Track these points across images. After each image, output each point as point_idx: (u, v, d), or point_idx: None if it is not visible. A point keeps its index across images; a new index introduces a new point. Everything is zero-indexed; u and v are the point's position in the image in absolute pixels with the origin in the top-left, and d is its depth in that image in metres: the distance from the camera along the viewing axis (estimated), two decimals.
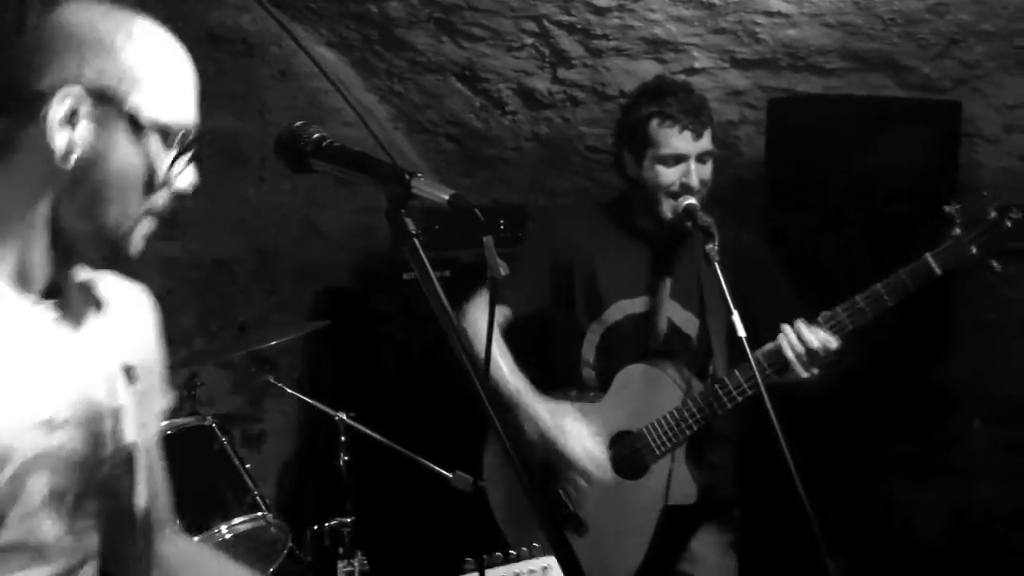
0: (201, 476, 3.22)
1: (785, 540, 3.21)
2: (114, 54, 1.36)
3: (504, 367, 2.84)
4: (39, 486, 1.36)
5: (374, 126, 4.29)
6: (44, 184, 1.35)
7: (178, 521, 2.97)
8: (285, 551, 3.23)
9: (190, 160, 1.43)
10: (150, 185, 1.39)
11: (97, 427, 1.44)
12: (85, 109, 1.33)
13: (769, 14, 3.69)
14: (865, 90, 3.88)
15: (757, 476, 3.16)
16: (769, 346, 2.66)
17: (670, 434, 2.78)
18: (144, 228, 1.42)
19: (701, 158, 2.77)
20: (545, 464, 2.80)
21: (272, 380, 3.50)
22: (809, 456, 2.34)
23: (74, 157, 1.34)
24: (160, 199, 1.41)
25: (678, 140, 2.74)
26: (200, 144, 1.44)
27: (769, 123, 3.84)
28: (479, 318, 2.85)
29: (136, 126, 1.36)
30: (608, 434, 2.84)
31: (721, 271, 2.50)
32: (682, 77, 3.95)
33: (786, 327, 2.64)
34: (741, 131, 4.13)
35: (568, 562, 1.37)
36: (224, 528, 3.10)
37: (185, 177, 1.43)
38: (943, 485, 4.23)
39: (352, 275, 4.52)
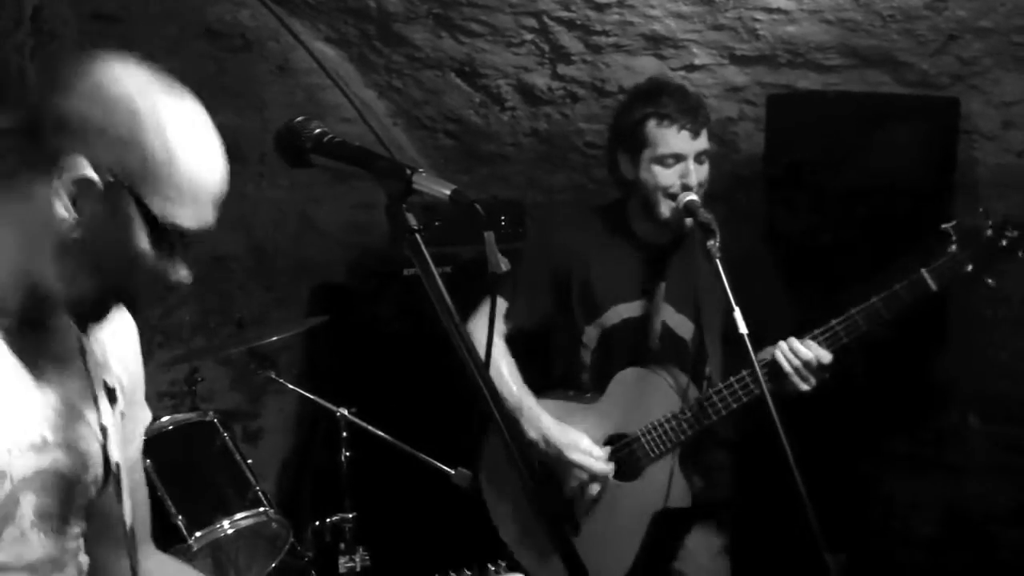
0: (203, 472, 3.23)
1: (779, 541, 3.23)
2: (141, 145, 1.34)
3: (508, 379, 2.86)
4: (29, 506, 1.38)
5: (373, 122, 4.29)
6: (33, 235, 1.35)
7: (180, 517, 3.01)
8: (286, 547, 3.23)
9: (188, 257, 1.42)
10: (148, 270, 1.38)
11: (83, 448, 1.46)
12: (88, 192, 1.32)
13: (768, 10, 3.69)
14: (863, 87, 3.88)
15: (751, 478, 3.18)
16: (764, 357, 2.65)
17: (665, 438, 2.79)
18: (142, 299, 1.43)
19: (699, 158, 2.77)
20: (544, 464, 2.81)
21: (273, 376, 3.50)
22: (804, 453, 2.34)
23: (77, 231, 1.33)
24: (153, 281, 1.40)
25: (676, 139, 2.74)
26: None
27: (768, 119, 3.84)
28: (480, 329, 2.84)
29: (151, 222, 1.35)
30: (603, 436, 2.86)
31: (722, 268, 2.50)
32: (681, 73, 3.95)
33: (781, 343, 2.65)
34: (740, 127, 4.14)
35: (569, 558, 1.38)
36: (226, 523, 3.10)
37: (181, 272, 1.42)
38: (937, 481, 4.23)
39: (350, 271, 4.52)
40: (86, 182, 1.31)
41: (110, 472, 1.50)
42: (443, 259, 3.83)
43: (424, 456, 3.08)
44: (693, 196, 2.72)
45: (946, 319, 3.75)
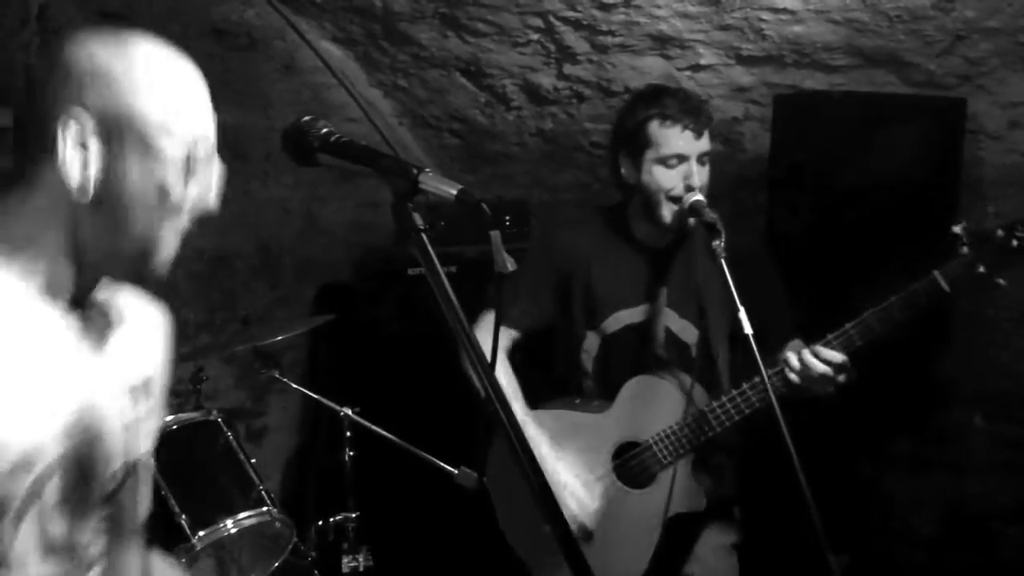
0: (206, 471, 3.23)
1: (786, 538, 3.22)
2: (115, 79, 1.37)
3: (507, 387, 2.83)
4: (55, 489, 1.40)
5: (379, 121, 4.28)
6: (64, 211, 1.37)
7: (184, 516, 3.01)
8: (290, 546, 3.23)
9: (209, 173, 1.44)
10: (168, 201, 1.39)
11: (110, 439, 1.47)
12: (93, 133, 1.35)
13: (775, 10, 3.68)
14: (870, 87, 3.87)
15: (756, 478, 3.17)
16: (777, 360, 2.64)
17: (677, 444, 2.78)
18: (170, 245, 1.43)
19: (701, 159, 2.76)
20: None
21: (277, 375, 3.50)
22: (807, 453, 2.34)
23: (91, 183, 1.35)
24: (182, 215, 1.42)
25: (679, 140, 2.73)
26: (216, 158, 1.45)
27: (775, 119, 3.84)
28: (484, 333, 2.82)
29: (145, 144, 1.37)
30: (613, 445, 2.84)
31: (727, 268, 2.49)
32: (688, 73, 3.95)
33: (790, 357, 2.64)
34: (746, 127, 4.13)
35: (576, 561, 1.37)
36: (230, 523, 3.10)
37: (205, 190, 1.44)
38: (938, 481, 4.23)
39: (354, 270, 4.52)
40: (79, 130, 1.34)
41: (132, 465, 1.52)
42: (447, 259, 3.82)
43: (427, 456, 3.08)
44: (699, 196, 2.71)
45: (949, 319, 3.75)
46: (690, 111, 2.74)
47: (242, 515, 3.13)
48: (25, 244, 1.38)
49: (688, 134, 2.72)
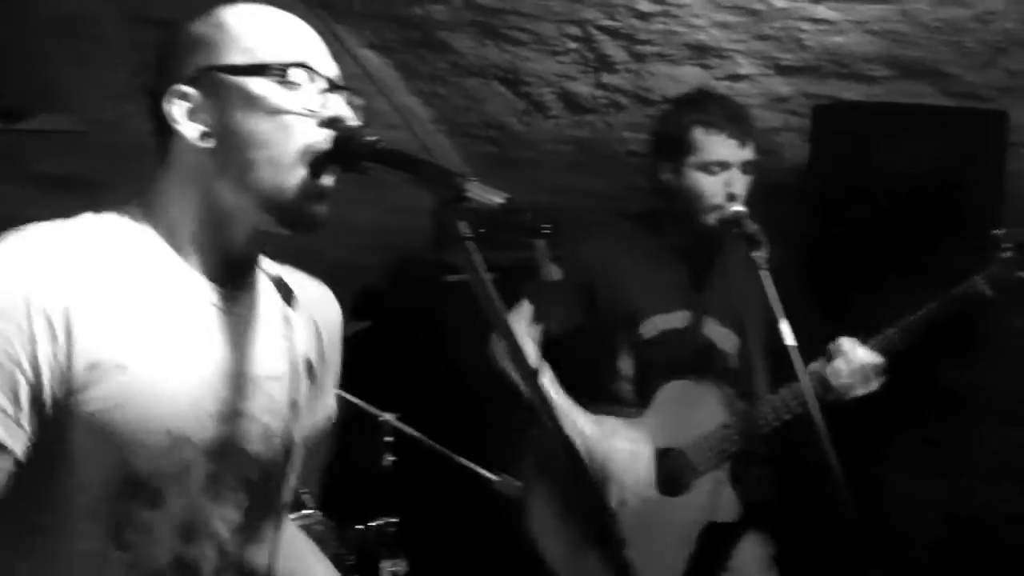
0: None
1: (824, 552, 3.20)
2: (203, 39, 1.42)
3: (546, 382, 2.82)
4: (201, 471, 1.40)
5: (418, 129, 4.31)
6: (200, 175, 1.40)
7: None
8: (331, 550, 3.23)
9: (326, 92, 1.43)
10: (289, 132, 1.39)
11: (270, 421, 1.47)
12: (195, 94, 1.39)
13: (814, 21, 3.68)
14: (908, 98, 3.86)
15: (795, 489, 3.16)
16: (814, 366, 2.63)
17: (713, 451, 2.77)
18: (312, 184, 1.41)
19: (744, 168, 2.75)
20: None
21: None
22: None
23: (209, 140, 1.39)
24: (310, 141, 1.40)
25: (722, 147, 2.72)
26: (331, 80, 1.44)
27: (813, 130, 3.83)
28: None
29: (244, 87, 1.39)
30: (650, 451, 2.83)
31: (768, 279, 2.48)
32: (726, 83, 3.94)
33: (838, 344, 2.63)
34: (784, 138, 4.12)
35: (620, 566, 1.37)
36: None
37: (332, 107, 1.42)
38: (952, 485, 4.19)
39: (388, 276, 4.54)
40: (180, 91, 1.39)
41: (288, 450, 1.51)
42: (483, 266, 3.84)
43: (467, 462, 3.08)
44: (740, 207, 2.70)
45: (973, 325, 3.71)
46: (734, 118, 2.74)
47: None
48: (170, 212, 1.41)
49: (732, 142, 2.72)
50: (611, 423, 2.85)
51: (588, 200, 4.66)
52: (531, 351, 2.77)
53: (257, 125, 1.38)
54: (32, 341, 1.25)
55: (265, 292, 1.51)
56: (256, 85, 1.39)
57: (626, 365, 2.92)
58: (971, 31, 3.59)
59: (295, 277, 1.60)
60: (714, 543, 2.82)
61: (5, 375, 1.24)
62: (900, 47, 3.72)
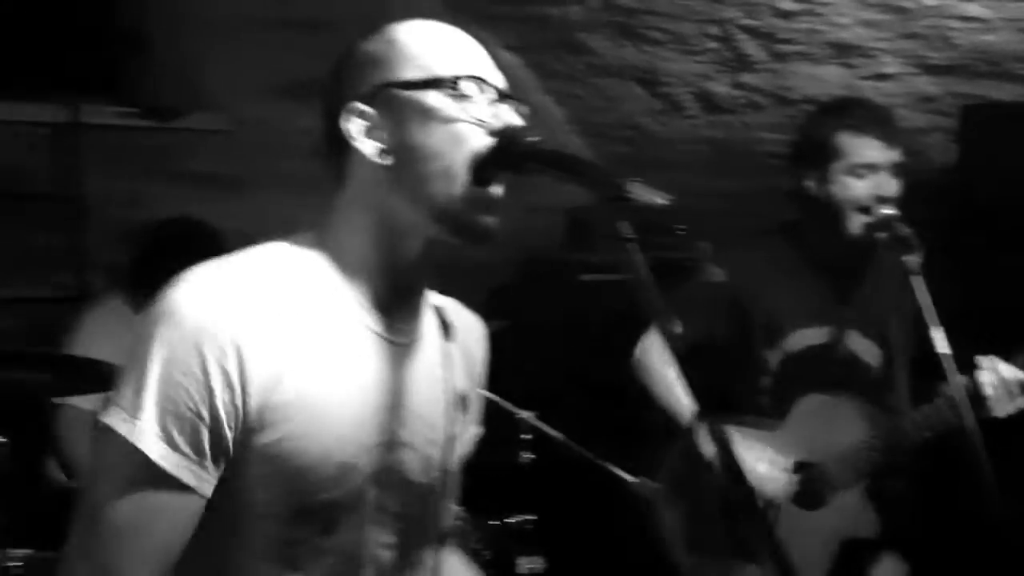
0: None
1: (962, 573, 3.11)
2: (376, 56, 1.44)
3: (682, 394, 2.80)
4: (371, 499, 1.44)
5: (556, 129, 4.33)
6: (376, 191, 1.42)
7: None
8: (469, 545, 3.26)
9: (495, 102, 1.43)
10: (461, 143, 1.40)
11: (430, 451, 1.51)
12: (371, 111, 1.41)
13: (964, 19, 3.59)
14: None
15: (936, 509, 3.07)
16: (958, 379, 2.54)
17: (853, 467, 2.71)
18: (481, 193, 1.41)
19: (893, 170, 2.69)
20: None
21: None
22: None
23: (386, 156, 1.41)
24: (479, 150, 1.40)
25: (870, 150, 2.66)
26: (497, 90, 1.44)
27: (961, 131, 3.72)
28: (652, 356, 2.83)
29: (419, 102, 1.40)
30: (787, 464, 2.78)
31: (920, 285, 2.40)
32: (870, 82, 3.87)
33: (982, 360, 2.54)
34: (931, 138, 4.02)
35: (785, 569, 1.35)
36: None
37: (501, 116, 1.42)
38: None
39: (523, 275, 4.57)
40: (357, 109, 1.41)
41: (444, 479, 1.54)
42: (618, 267, 3.84)
43: (604, 462, 3.08)
44: (891, 209, 2.63)
45: None
46: (881, 121, 2.68)
47: None
48: (343, 234, 1.44)
49: (880, 144, 2.65)
50: (747, 436, 2.81)
51: (724, 202, 4.61)
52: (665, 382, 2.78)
53: (432, 138, 1.40)
54: (209, 391, 1.30)
55: (427, 323, 1.53)
56: (431, 99, 1.40)
57: (767, 378, 2.87)
58: None
59: (452, 306, 1.62)
60: (851, 560, 2.75)
61: (189, 425, 1.30)
62: None
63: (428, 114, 1.40)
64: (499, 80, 1.47)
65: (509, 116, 1.43)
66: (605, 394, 3.76)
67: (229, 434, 1.32)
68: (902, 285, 2.45)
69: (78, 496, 1.39)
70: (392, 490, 1.47)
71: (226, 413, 1.31)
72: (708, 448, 2.72)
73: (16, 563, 2.61)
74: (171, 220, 3.62)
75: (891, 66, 3.84)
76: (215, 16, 3.71)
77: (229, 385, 1.31)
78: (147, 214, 3.67)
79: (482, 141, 1.40)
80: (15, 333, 3.86)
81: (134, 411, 1.29)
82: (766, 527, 1.42)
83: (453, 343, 1.55)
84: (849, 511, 2.72)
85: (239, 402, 1.32)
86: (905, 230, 2.54)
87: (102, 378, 2.81)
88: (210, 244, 3.37)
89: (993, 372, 2.53)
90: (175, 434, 1.29)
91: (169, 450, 1.29)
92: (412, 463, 1.48)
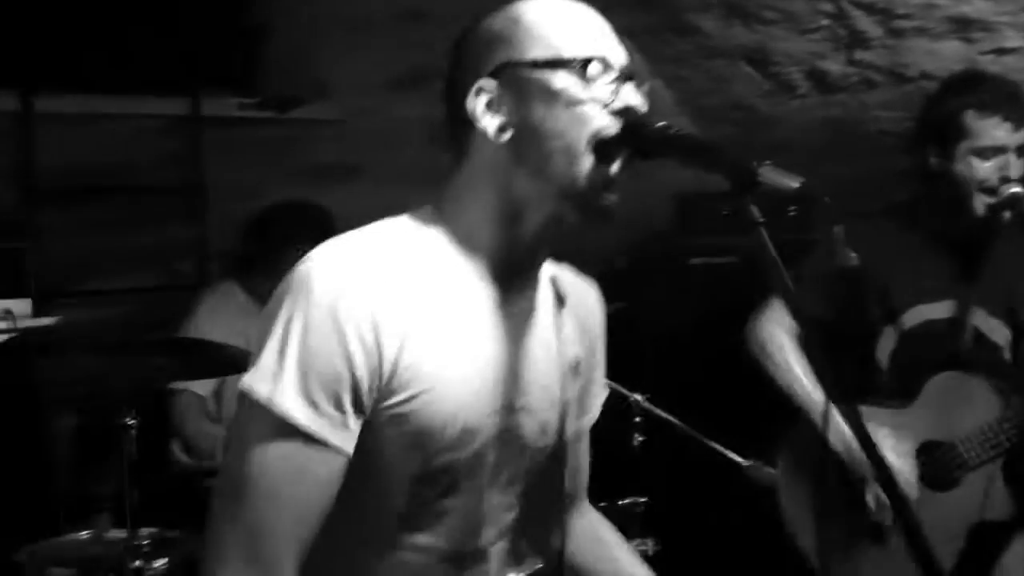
0: None
1: None
2: (502, 35, 1.45)
3: (805, 379, 2.79)
4: (491, 463, 1.50)
5: (665, 112, 4.32)
6: (497, 167, 1.45)
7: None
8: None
9: (618, 81, 1.44)
10: (584, 122, 1.41)
11: (545, 416, 1.55)
12: (497, 90, 1.44)
13: None
14: None
15: None
16: None
17: (985, 448, 2.66)
18: (602, 172, 1.42)
19: (1020, 151, 2.63)
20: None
21: None
22: None
23: (507, 133, 1.43)
24: (602, 129, 1.42)
25: (997, 130, 2.61)
26: (628, 71, 1.45)
27: None
28: (774, 334, 2.81)
29: (544, 81, 1.42)
30: (915, 444, 2.74)
31: None
32: (991, 57, 3.76)
33: None
34: None
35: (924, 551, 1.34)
36: None
37: (624, 96, 1.43)
38: None
39: (634, 258, 4.57)
40: (481, 87, 1.44)
41: (561, 442, 1.59)
42: (727, 250, 3.86)
43: (717, 445, 3.08)
44: (1017, 188, 2.58)
45: None
46: (1010, 100, 2.61)
47: None
48: (464, 208, 1.47)
49: (1008, 125, 2.60)
50: (873, 415, 2.77)
51: (838, 183, 4.53)
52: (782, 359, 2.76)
53: (555, 117, 1.41)
54: (348, 355, 1.34)
55: (542, 292, 1.56)
56: (556, 79, 1.42)
57: (884, 355, 2.84)
58: None
59: (566, 275, 1.65)
60: (983, 542, 2.70)
61: (330, 387, 1.34)
62: None
63: (553, 95, 1.42)
64: (623, 58, 1.48)
65: (632, 96, 1.44)
66: (716, 376, 3.75)
67: (367, 396, 1.37)
68: None
69: (219, 467, 1.46)
70: (511, 453, 1.52)
71: (365, 375, 1.35)
72: (834, 430, 2.72)
73: (144, 541, 2.72)
74: (281, 204, 3.72)
75: (1013, 39, 3.72)
76: (334, 10, 3.77)
77: (365, 350, 1.35)
78: (266, 204, 3.77)
79: (604, 121, 1.42)
80: (138, 321, 4.00)
81: (276, 378, 1.34)
82: (907, 510, 1.42)
83: (565, 311, 1.58)
84: (982, 492, 2.68)
85: (375, 370, 1.36)
86: None
87: (221, 362, 2.93)
88: (320, 225, 3.46)
89: None
90: (317, 396, 1.34)
91: (311, 412, 1.34)
92: (530, 427, 1.53)
